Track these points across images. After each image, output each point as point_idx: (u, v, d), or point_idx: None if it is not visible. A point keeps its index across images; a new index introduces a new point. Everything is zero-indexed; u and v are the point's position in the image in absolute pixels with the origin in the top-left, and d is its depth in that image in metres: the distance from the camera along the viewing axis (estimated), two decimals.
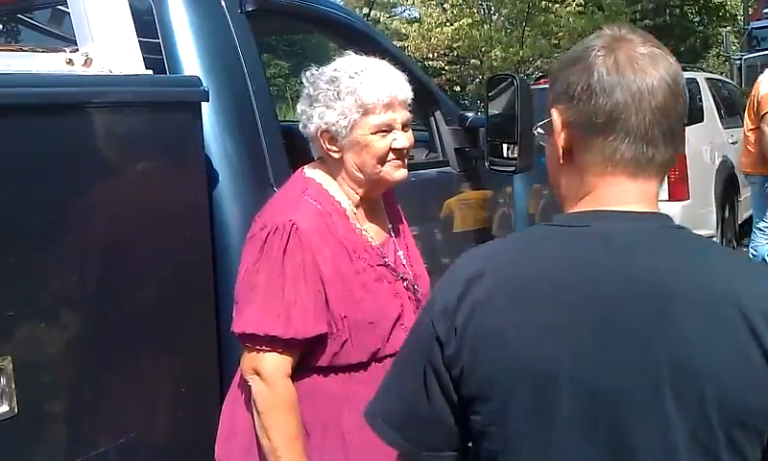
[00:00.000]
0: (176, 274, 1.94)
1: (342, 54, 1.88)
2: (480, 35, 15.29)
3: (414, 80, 3.18)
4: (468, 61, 16.37)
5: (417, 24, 16.29)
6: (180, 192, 1.97)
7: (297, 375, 1.76)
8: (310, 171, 1.88)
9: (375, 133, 1.76)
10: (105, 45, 1.92)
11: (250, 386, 1.75)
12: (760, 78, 6.35)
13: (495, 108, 3.09)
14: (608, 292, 1.02)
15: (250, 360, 1.73)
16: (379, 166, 1.79)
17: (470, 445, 1.14)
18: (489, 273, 1.09)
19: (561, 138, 1.12)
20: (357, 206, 1.85)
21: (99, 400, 1.78)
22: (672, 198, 6.47)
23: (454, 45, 15.77)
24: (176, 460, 1.95)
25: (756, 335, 0.98)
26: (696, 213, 6.37)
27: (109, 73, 1.92)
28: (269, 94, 2.40)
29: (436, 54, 16.35)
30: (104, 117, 1.81)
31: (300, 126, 1.85)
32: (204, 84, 2.05)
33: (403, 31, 16.32)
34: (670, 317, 0.99)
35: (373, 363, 1.79)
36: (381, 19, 19.95)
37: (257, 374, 1.71)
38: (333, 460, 1.78)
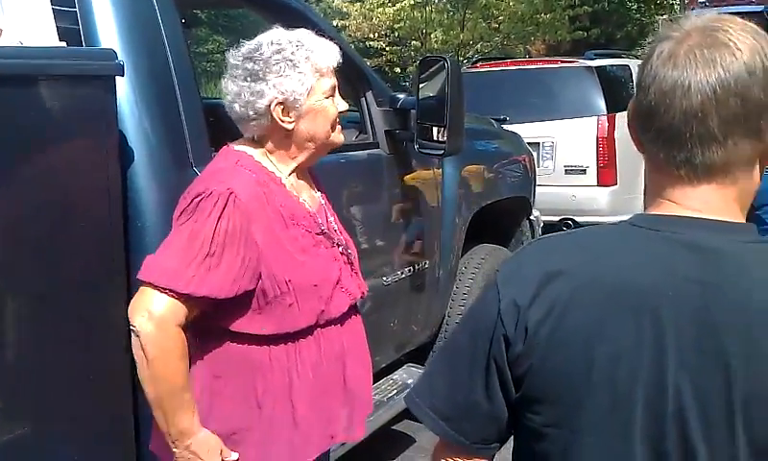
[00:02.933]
0: (83, 256, 1.87)
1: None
2: (421, 16, 15.26)
3: (346, 59, 3.18)
4: (410, 43, 16.34)
5: (358, 3, 16.18)
6: (90, 170, 1.89)
7: (247, 347, 1.76)
8: (238, 146, 1.87)
9: (327, 97, 1.83)
10: (16, 16, 1.83)
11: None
12: None
13: (427, 90, 3.08)
14: (682, 303, 0.98)
15: (144, 300, 1.66)
16: (330, 130, 1.86)
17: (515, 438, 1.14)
18: (567, 272, 1.05)
19: (631, 129, 1.09)
20: (291, 177, 1.87)
21: None
22: (600, 183, 6.59)
23: (395, 26, 15.69)
24: (78, 453, 1.89)
25: None
26: (623, 199, 6.49)
27: (20, 44, 1.83)
28: (191, 69, 2.33)
29: (377, 34, 16.27)
30: (11, 91, 1.72)
31: (240, 104, 1.80)
32: (120, 58, 1.97)
33: (345, 10, 16.18)
34: (753, 340, 0.96)
35: (318, 329, 1.82)
36: None
37: (150, 315, 1.64)
38: (281, 432, 1.79)
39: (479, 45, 15.90)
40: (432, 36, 15.14)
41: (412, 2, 14.86)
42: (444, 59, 2.99)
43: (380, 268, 3.16)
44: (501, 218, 4.31)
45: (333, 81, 1.86)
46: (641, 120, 1.05)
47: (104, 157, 1.91)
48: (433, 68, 3.06)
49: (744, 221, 1.05)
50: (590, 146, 6.42)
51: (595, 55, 7.32)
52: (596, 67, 6.88)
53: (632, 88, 7.36)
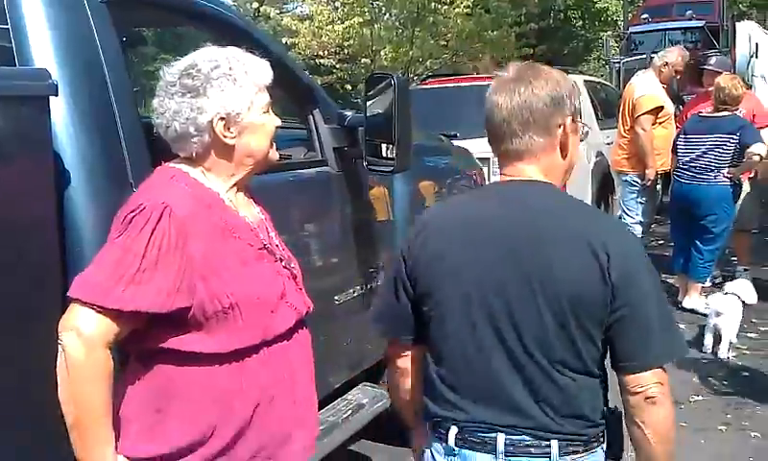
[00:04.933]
0: (20, 282, 1.79)
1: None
2: (370, 34, 15.32)
3: (293, 77, 3.15)
4: (360, 60, 16.38)
5: (307, 21, 16.17)
6: (24, 193, 1.81)
7: (188, 368, 1.70)
8: (175, 164, 1.83)
9: (265, 112, 1.83)
10: None
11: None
12: (633, 80, 6.62)
13: (375, 107, 3.06)
14: (501, 226, 1.66)
15: (72, 317, 1.60)
16: (269, 146, 1.86)
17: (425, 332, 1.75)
18: (437, 215, 1.84)
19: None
20: (230, 193, 1.84)
21: None
22: None
23: (345, 44, 15.74)
24: None
25: (596, 256, 1.58)
26: None
27: None
28: (130, 88, 2.26)
29: (327, 52, 16.29)
30: None
31: (180, 121, 1.75)
32: (55, 77, 1.91)
33: (293, 28, 16.16)
34: (542, 245, 1.61)
35: (264, 347, 1.77)
36: (272, 15, 19.75)
37: (77, 332, 1.58)
38: (225, 455, 1.73)
39: (428, 62, 16.02)
40: (382, 53, 15.20)
41: (361, 19, 14.91)
42: (391, 76, 2.97)
43: (332, 286, 3.11)
44: None
45: (267, 96, 1.85)
46: (486, 127, 1.74)
47: (38, 179, 1.84)
48: (380, 85, 3.04)
49: (546, 181, 1.70)
50: None
51: None
52: None
53: (578, 103, 7.52)
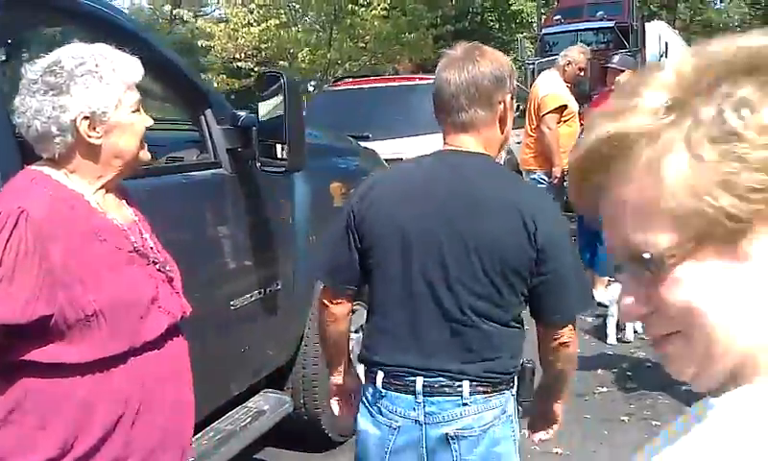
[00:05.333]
0: None
1: None
2: (288, 36, 15.22)
3: (183, 77, 3.07)
4: (277, 63, 16.24)
5: (223, 24, 15.96)
6: None
7: (48, 380, 1.63)
8: (37, 166, 1.75)
9: (135, 111, 1.77)
10: None
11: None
12: (538, 80, 6.75)
13: (267, 107, 3.01)
14: (442, 191, 1.81)
15: None
16: (139, 146, 1.80)
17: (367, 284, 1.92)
18: (383, 179, 2.00)
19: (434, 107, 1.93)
20: (98, 195, 1.77)
21: None
22: None
23: (262, 46, 15.59)
24: None
25: (524, 224, 1.74)
26: None
27: None
28: None
29: (244, 55, 16.10)
30: None
31: (41, 120, 1.67)
32: None
33: (209, 30, 15.92)
34: (478, 210, 1.78)
35: (132, 356, 1.71)
36: (186, 18, 19.42)
37: None
38: None
39: (347, 64, 16.01)
40: (299, 55, 15.11)
41: (277, 21, 14.80)
42: (281, 74, 2.92)
43: (227, 291, 3.04)
44: None
45: (137, 95, 1.78)
46: (433, 101, 1.88)
47: None
48: (272, 85, 2.99)
49: (485, 152, 1.86)
50: None
51: None
52: None
53: None
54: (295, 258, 3.45)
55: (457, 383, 1.79)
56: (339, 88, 7.58)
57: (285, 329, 3.47)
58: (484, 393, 1.81)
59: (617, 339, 5.34)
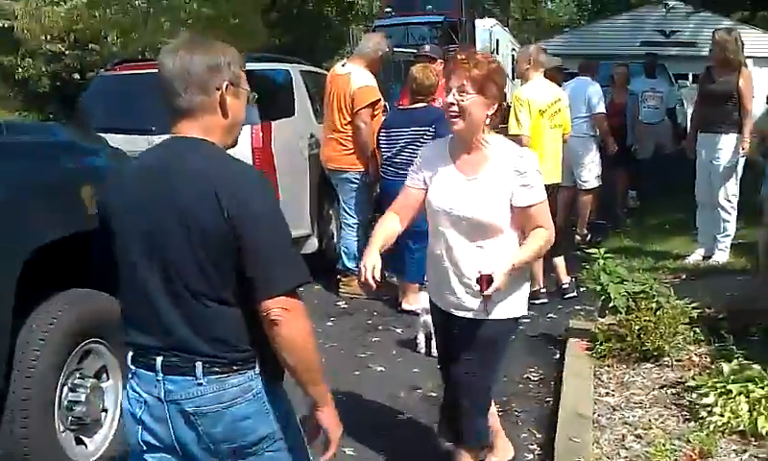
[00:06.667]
0: None
1: None
2: (99, 17, 13.93)
3: None
4: (89, 47, 14.92)
5: (23, 1, 14.38)
6: None
7: None
8: None
9: None
10: None
11: None
12: (344, 70, 6.20)
13: None
14: (158, 180, 1.90)
15: None
16: None
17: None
18: (124, 169, 2.20)
19: None
20: None
21: None
22: None
23: (74, 27, 14.22)
24: None
25: (217, 197, 1.82)
26: (289, 212, 6.00)
27: None
28: None
29: (51, 37, 14.63)
30: None
31: None
32: None
33: (6, 7, 14.31)
34: (178, 190, 1.86)
35: None
36: None
37: None
38: None
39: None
40: (110, 38, 13.87)
41: (86, 0, 13.51)
42: None
43: None
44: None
45: None
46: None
47: None
48: None
49: (204, 138, 1.93)
50: (246, 158, 5.82)
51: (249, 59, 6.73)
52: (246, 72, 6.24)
53: (291, 93, 6.98)
54: None
55: (190, 363, 1.88)
56: (119, 73, 6.50)
57: None
58: (220, 373, 1.89)
59: (428, 350, 4.90)
